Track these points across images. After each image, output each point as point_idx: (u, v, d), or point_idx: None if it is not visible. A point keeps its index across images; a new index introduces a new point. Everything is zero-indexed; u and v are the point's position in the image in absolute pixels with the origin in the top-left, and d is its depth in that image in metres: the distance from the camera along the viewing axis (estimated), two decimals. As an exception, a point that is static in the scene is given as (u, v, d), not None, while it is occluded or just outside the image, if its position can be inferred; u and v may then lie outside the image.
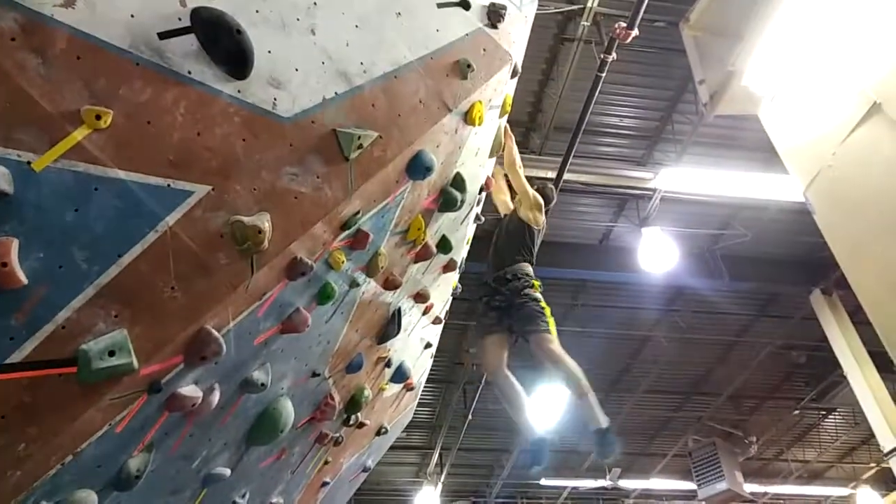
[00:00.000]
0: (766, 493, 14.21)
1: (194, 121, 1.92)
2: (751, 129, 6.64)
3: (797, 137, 4.73)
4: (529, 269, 4.56)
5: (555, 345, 4.19)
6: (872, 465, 13.57)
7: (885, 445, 8.61)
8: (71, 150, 1.69)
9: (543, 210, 4.82)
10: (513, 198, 5.03)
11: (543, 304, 4.33)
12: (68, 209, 1.69)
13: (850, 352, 8.92)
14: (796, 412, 12.17)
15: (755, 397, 12.13)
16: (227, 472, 2.77)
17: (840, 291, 8.95)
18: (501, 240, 4.81)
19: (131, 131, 1.79)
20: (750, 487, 12.54)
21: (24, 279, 1.60)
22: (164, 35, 1.86)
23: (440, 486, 12.90)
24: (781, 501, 14.74)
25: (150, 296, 1.83)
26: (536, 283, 4.46)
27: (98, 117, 1.72)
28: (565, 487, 13.83)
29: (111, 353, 1.74)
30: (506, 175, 4.93)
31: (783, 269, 9.17)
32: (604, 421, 4.05)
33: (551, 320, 4.26)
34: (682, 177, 7.35)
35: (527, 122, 7.29)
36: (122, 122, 1.77)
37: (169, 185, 1.87)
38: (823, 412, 12.51)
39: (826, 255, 4.89)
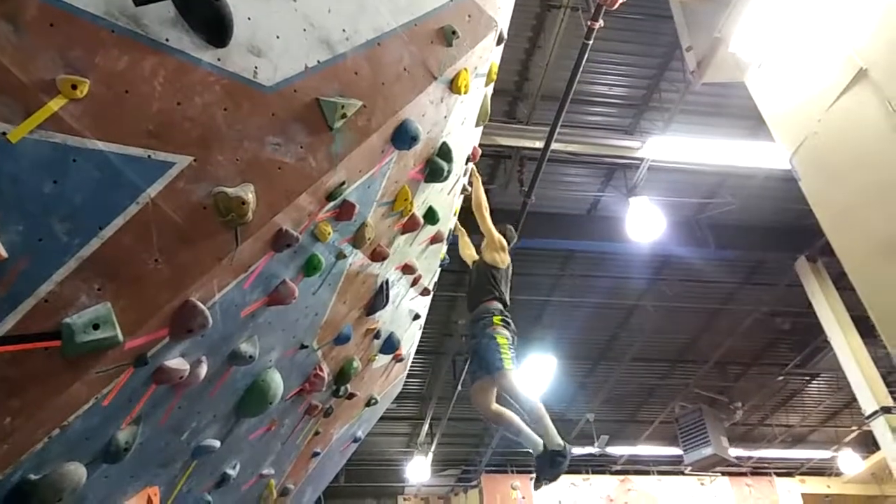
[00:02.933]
0: (750, 458, 14.51)
1: (174, 90, 1.88)
2: (738, 97, 6.62)
3: (784, 104, 4.72)
4: (494, 305, 4.74)
5: (507, 380, 4.31)
6: (854, 428, 13.86)
7: (867, 409, 8.79)
8: (47, 121, 1.65)
9: (507, 250, 5.08)
10: (477, 248, 5.28)
11: (500, 338, 4.46)
12: (46, 181, 1.66)
13: (833, 318, 9.04)
14: (781, 378, 12.36)
15: (740, 364, 12.30)
16: (217, 443, 2.79)
17: (825, 258, 9.03)
18: (471, 287, 5.07)
19: (109, 101, 1.75)
20: (735, 452, 12.80)
21: (3, 253, 1.58)
22: (139, 2, 1.81)
23: (431, 455, 13.06)
24: (766, 465, 15.06)
25: (134, 269, 1.82)
26: (496, 318, 4.62)
27: (74, 87, 1.68)
28: (554, 454, 14.04)
29: (95, 327, 1.73)
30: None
31: (769, 237, 9.23)
32: (557, 443, 4.17)
33: (507, 353, 4.38)
34: (670, 145, 7.34)
35: (514, 91, 7.22)
36: (99, 92, 1.73)
37: (149, 156, 1.83)
38: (807, 377, 12.72)
39: (811, 222, 4.91)
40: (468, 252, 5.51)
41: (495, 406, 4.61)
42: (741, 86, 5.40)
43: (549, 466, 4.20)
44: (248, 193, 2.01)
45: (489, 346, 4.45)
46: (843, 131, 4.21)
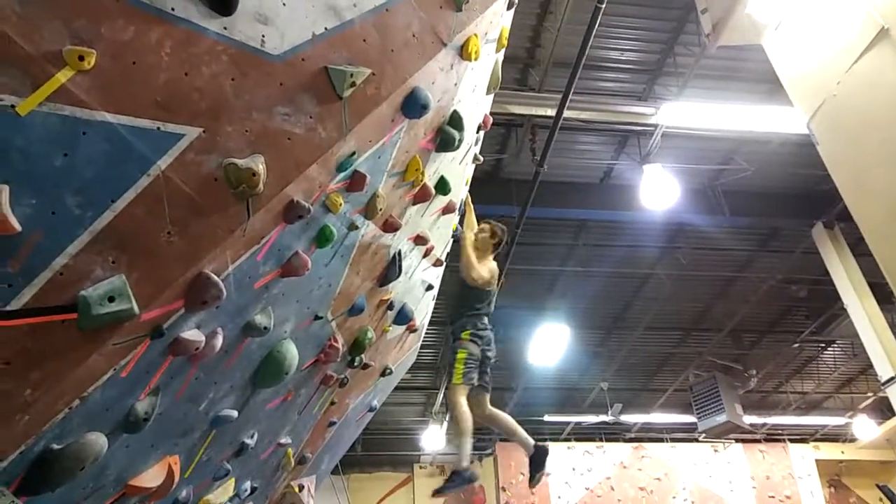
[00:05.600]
0: (765, 424, 14.55)
1: (181, 60, 1.86)
2: (754, 60, 6.49)
3: (802, 67, 4.62)
4: (467, 320, 4.92)
5: (451, 393, 4.66)
6: (870, 394, 13.83)
7: (883, 375, 8.75)
8: (55, 93, 1.64)
9: (496, 276, 5.16)
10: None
11: (460, 352, 4.76)
12: (57, 154, 1.65)
13: (850, 284, 8.96)
14: (796, 345, 12.31)
15: (755, 331, 12.26)
16: (235, 413, 2.83)
17: (842, 224, 8.92)
18: (457, 297, 5.25)
19: (116, 72, 1.74)
20: (749, 419, 12.83)
21: (17, 226, 1.58)
22: (144, -30, 1.79)
23: (446, 424, 13.21)
24: (780, 431, 15.10)
25: (147, 241, 1.82)
26: (465, 332, 4.85)
27: (81, 58, 1.66)
28: (568, 423, 14.17)
29: (111, 299, 1.74)
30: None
31: (785, 203, 9.12)
32: (464, 463, 4.54)
33: (459, 369, 4.68)
34: (684, 111, 7.22)
35: (525, 58, 7.12)
36: (106, 63, 1.71)
37: (159, 128, 1.83)
38: (823, 345, 12.67)
39: (829, 187, 4.86)
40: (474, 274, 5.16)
41: (489, 413, 4.92)
42: (758, 49, 5.29)
43: (449, 480, 4.61)
44: (259, 164, 2.00)
45: (450, 358, 4.80)
46: (864, 93, 4.12)
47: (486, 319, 4.98)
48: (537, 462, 4.84)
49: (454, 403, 4.62)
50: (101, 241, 1.73)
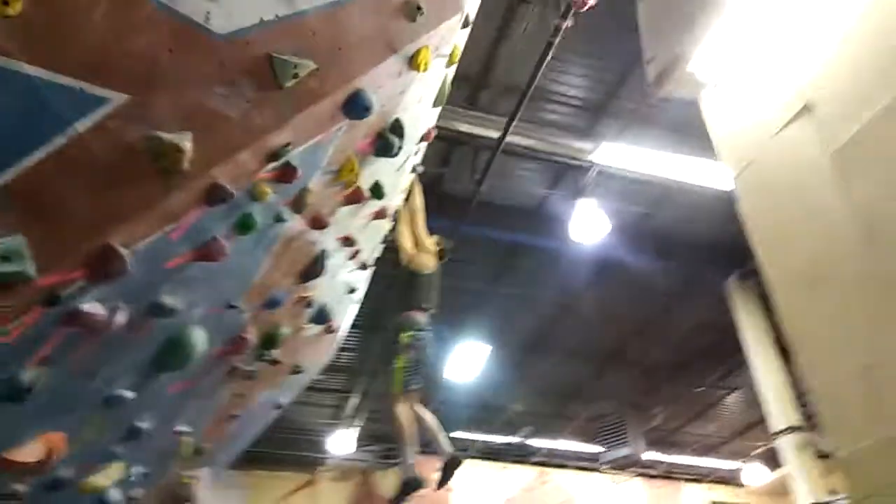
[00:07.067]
0: (662, 462, 15.06)
1: (117, 22, 1.79)
2: (692, 114, 6.77)
3: (731, 127, 4.86)
4: (408, 318, 4.95)
5: (391, 404, 4.74)
6: (760, 443, 14.53)
7: (776, 426, 9.22)
8: (-28, 37, 1.56)
9: (434, 254, 5.29)
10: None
11: (399, 360, 4.78)
12: (-36, 100, 1.57)
13: (755, 337, 9.43)
14: (701, 389, 12.85)
15: (666, 371, 12.71)
16: (131, 394, 2.72)
17: (754, 280, 9.39)
18: (395, 294, 5.34)
19: (43, 23, 1.66)
20: (649, 455, 13.26)
21: None
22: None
23: (356, 429, 13.06)
24: (677, 470, 15.65)
25: (53, 205, 1.74)
26: (403, 335, 4.86)
27: (6, 3, 1.59)
28: (475, 441, 14.27)
29: (6, 259, 1.65)
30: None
31: (707, 252, 9.53)
32: (409, 466, 4.60)
33: (398, 377, 4.72)
34: (621, 152, 7.48)
35: (478, 79, 7.22)
36: (33, 12, 1.63)
37: (82, 90, 1.75)
38: (726, 391, 13.25)
39: (747, 243, 5.09)
40: (406, 244, 5.38)
41: (416, 410, 4.92)
42: (696, 104, 5.53)
43: (403, 484, 4.63)
44: (185, 142, 1.95)
45: (389, 366, 4.84)
46: (783, 162, 4.36)
47: (425, 318, 4.94)
48: (448, 470, 4.81)
49: (394, 413, 4.59)
50: (3, 196, 1.65)
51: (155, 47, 1.90)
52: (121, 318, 2.21)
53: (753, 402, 12.90)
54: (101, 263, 1.89)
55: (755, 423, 14.27)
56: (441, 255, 5.42)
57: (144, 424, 3.15)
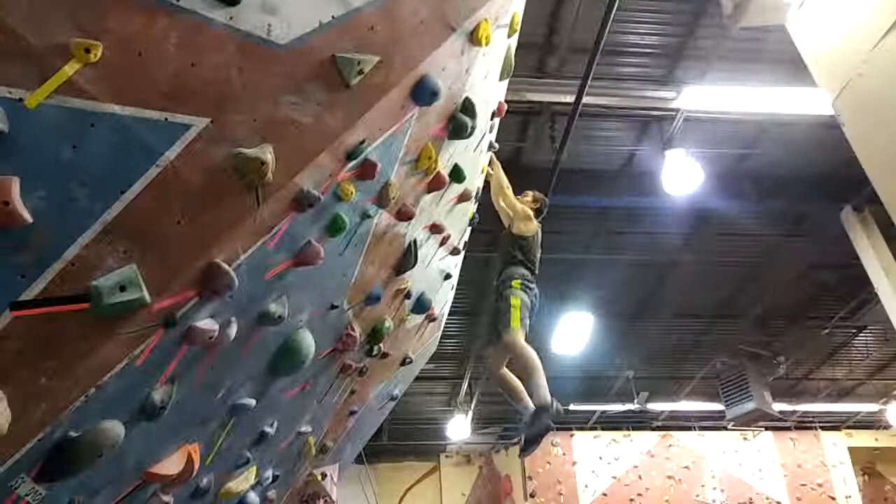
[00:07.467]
0: (795, 412, 14.33)
1: (187, 51, 1.87)
2: (778, 41, 6.33)
3: (826, 46, 4.50)
4: (517, 270, 4.91)
5: (510, 338, 4.52)
6: (904, 380, 13.55)
7: (916, 360, 8.54)
8: (63, 86, 1.67)
9: (532, 218, 5.29)
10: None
11: (513, 299, 4.67)
12: (66, 146, 1.68)
13: (881, 268, 8.74)
14: (826, 331, 12.08)
15: (784, 318, 12.03)
16: (253, 402, 2.86)
17: (872, 207, 8.70)
18: (500, 254, 5.30)
19: (122, 64, 1.76)
20: (779, 406, 12.64)
21: (28, 217, 1.61)
22: (148, -38, 1.80)
23: (471, 413, 13.24)
24: (811, 419, 14.86)
25: (157, 232, 1.84)
26: (515, 282, 4.80)
27: (87, 50, 1.69)
28: (594, 412, 14.11)
29: (122, 289, 1.76)
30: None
31: (813, 187, 8.91)
32: (545, 401, 4.21)
33: (515, 314, 4.59)
34: (707, 95, 7.08)
35: (542, 44, 7.03)
36: (112, 55, 1.73)
37: (166, 119, 1.84)
38: (854, 330, 12.41)
39: (857, 170, 4.72)
40: (502, 200, 5.36)
41: (503, 371, 4.84)
42: (781, 29, 5.16)
43: (531, 424, 4.28)
44: (267, 154, 2.01)
45: (501, 306, 4.70)
46: (890, 71, 4.00)
47: (532, 276, 4.98)
48: (536, 425, 4.26)
49: (516, 345, 4.47)
50: (112, 231, 1.76)
51: (225, 68, 1.96)
52: (233, 330, 2.32)
53: (886, 338, 12.07)
54: (210, 281, 1.98)
55: (891, 360, 13.32)
56: (539, 211, 5.42)
57: (270, 428, 3.32)
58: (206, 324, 2.15)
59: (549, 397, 4.22)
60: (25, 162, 1.61)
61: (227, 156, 1.96)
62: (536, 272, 5.06)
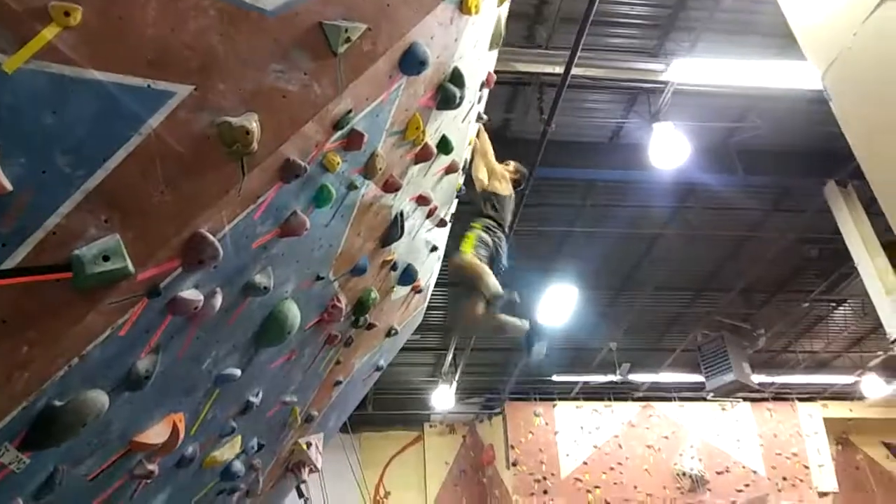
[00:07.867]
0: (773, 384, 14.61)
1: (169, 15, 1.83)
2: (768, 14, 6.31)
3: (815, 18, 4.48)
4: (486, 221, 5.08)
5: (458, 259, 4.73)
6: (879, 353, 13.81)
7: (892, 333, 8.72)
8: (42, 51, 1.62)
9: (508, 179, 5.44)
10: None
11: (470, 232, 4.90)
12: (46, 112, 1.64)
13: (861, 243, 8.86)
14: (806, 304, 12.26)
15: (765, 291, 12.20)
16: (238, 372, 2.86)
17: (855, 182, 8.78)
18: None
19: (104, 29, 1.71)
20: (757, 378, 12.88)
21: (8, 185, 1.58)
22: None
23: (455, 384, 13.36)
24: (788, 390, 15.16)
25: (140, 200, 1.82)
26: (477, 223, 5.02)
27: (67, 14, 1.64)
28: (576, 382, 14.30)
29: (105, 258, 1.74)
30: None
31: (798, 162, 8.96)
32: (497, 292, 4.51)
33: (469, 241, 4.78)
34: (696, 67, 7.06)
35: (532, 15, 6.95)
36: (92, 20, 1.69)
37: (149, 86, 1.80)
38: (833, 304, 12.61)
39: (843, 145, 4.73)
40: (480, 175, 5.51)
41: (481, 310, 4.86)
42: (772, 1, 5.12)
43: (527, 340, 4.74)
44: (252, 123, 1.98)
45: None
46: (880, 46, 3.99)
47: (499, 230, 5.07)
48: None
49: (462, 262, 4.64)
50: (94, 200, 1.73)
51: (209, 34, 1.92)
52: (218, 301, 2.30)
53: (864, 311, 12.27)
54: (194, 251, 1.96)
55: (868, 333, 13.58)
56: (517, 182, 5.48)
57: (255, 398, 3.32)
58: (190, 294, 2.13)
59: (498, 287, 4.53)
60: (4, 128, 1.58)
61: (212, 124, 1.92)
62: (507, 233, 5.16)
